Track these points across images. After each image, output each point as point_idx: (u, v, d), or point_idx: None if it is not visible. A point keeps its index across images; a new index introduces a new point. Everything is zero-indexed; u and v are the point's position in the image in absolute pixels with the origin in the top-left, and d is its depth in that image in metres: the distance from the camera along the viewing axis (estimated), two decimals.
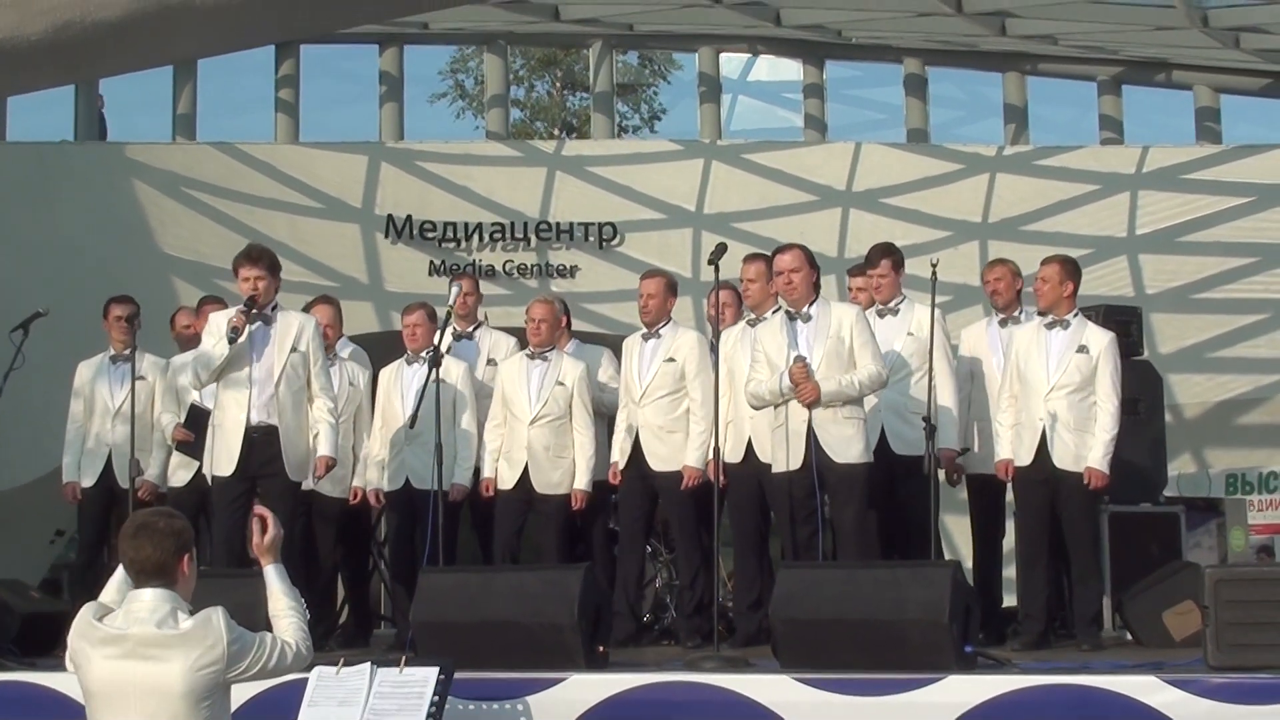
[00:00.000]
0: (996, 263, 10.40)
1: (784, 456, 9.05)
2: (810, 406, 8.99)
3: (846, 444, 9.11)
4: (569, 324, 10.98)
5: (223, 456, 9.46)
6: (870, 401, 9.47)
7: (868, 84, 21.79)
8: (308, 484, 9.83)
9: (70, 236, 16.82)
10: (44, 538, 17.26)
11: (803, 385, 8.96)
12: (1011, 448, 9.33)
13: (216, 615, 5.38)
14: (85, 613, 5.49)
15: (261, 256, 9.67)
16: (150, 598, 5.38)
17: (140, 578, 5.41)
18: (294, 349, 9.56)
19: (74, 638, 5.45)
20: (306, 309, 10.40)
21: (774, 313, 9.52)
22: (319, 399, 9.66)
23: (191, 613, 5.42)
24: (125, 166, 17.47)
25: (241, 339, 9.35)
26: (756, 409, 9.26)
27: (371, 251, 17.57)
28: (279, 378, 9.51)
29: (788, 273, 9.26)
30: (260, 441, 9.44)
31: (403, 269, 17.49)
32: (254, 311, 9.43)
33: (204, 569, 8.34)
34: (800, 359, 9.01)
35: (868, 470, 9.18)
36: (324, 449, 9.66)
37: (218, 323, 9.57)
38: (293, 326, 9.64)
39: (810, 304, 9.29)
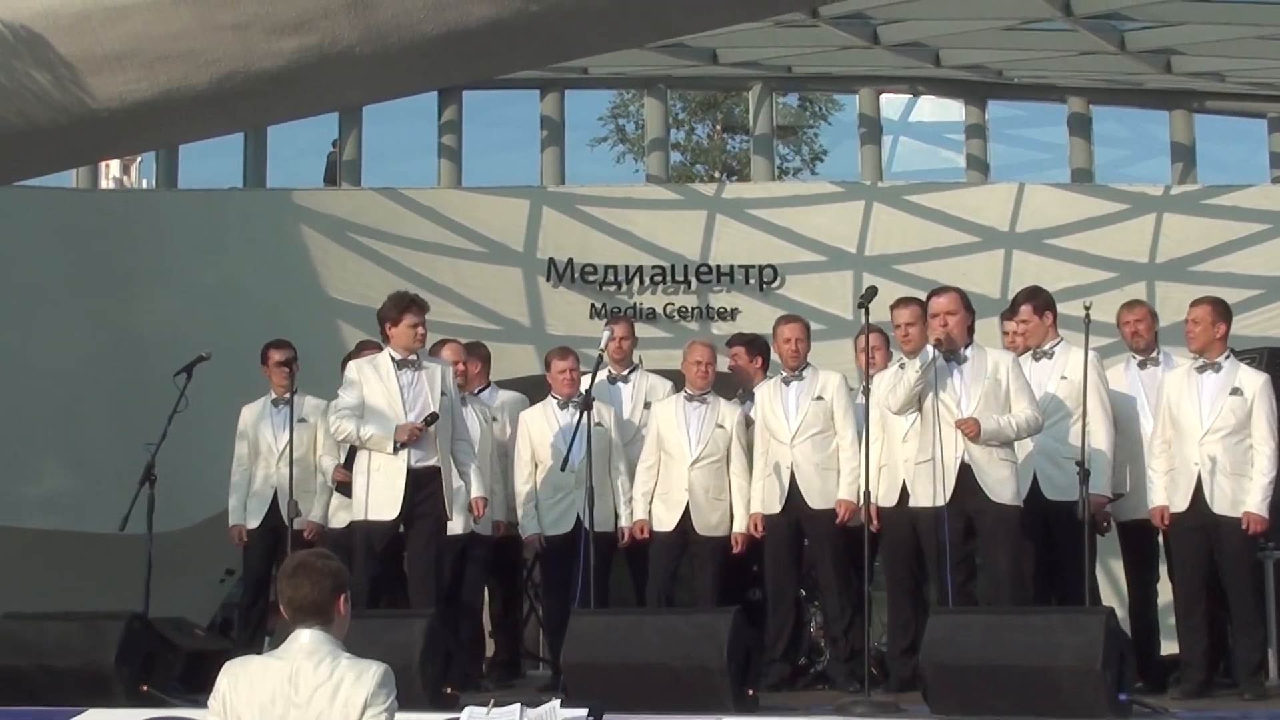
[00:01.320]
0: (1134, 304, 10.25)
1: (930, 491, 9.00)
2: (971, 439, 8.94)
3: (1002, 485, 9.05)
4: (765, 365, 10.96)
5: (385, 500, 9.56)
6: (1025, 447, 9.39)
7: (1031, 123, 21.61)
8: (456, 528, 9.94)
9: (238, 281, 17.13)
10: (214, 577, 17.52)
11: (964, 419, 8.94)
12: (1166, 494, 9.18)
13: (376, 668, 5.33)
14: (244, 657, 5.54)
15: (425, 305, 9.83)
16: (308, 639, 5.38)
17: (297, 617, 5.43)
18: (443, 393, 9.70)
19: (228, 678, 5.49)
20: (434, 351, 10.51)
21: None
22: (460, 440, 9.80)
23: (349, 653, 5.42)
24: (292, 212, 17.77)
25: (402, 449, 9.52)
26: (899, 410, 9.20)
27: (533, 295, 17.70)
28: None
29: (943, 315, 9.21)
30: (421, 483, 9.56)
31: (564, 312, 17.60)
32: (430, 427, 9.59)
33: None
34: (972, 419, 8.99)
35: (1020, 514, 9.09)
36: (477, 490, 9.79)
37: (363, 372, 9.70)
38: (436, 371, 9.78)
39: (965, 346, 9.25)
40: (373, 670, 5.32)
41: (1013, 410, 9.09)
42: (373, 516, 9.57)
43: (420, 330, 9.71)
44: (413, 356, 9.73)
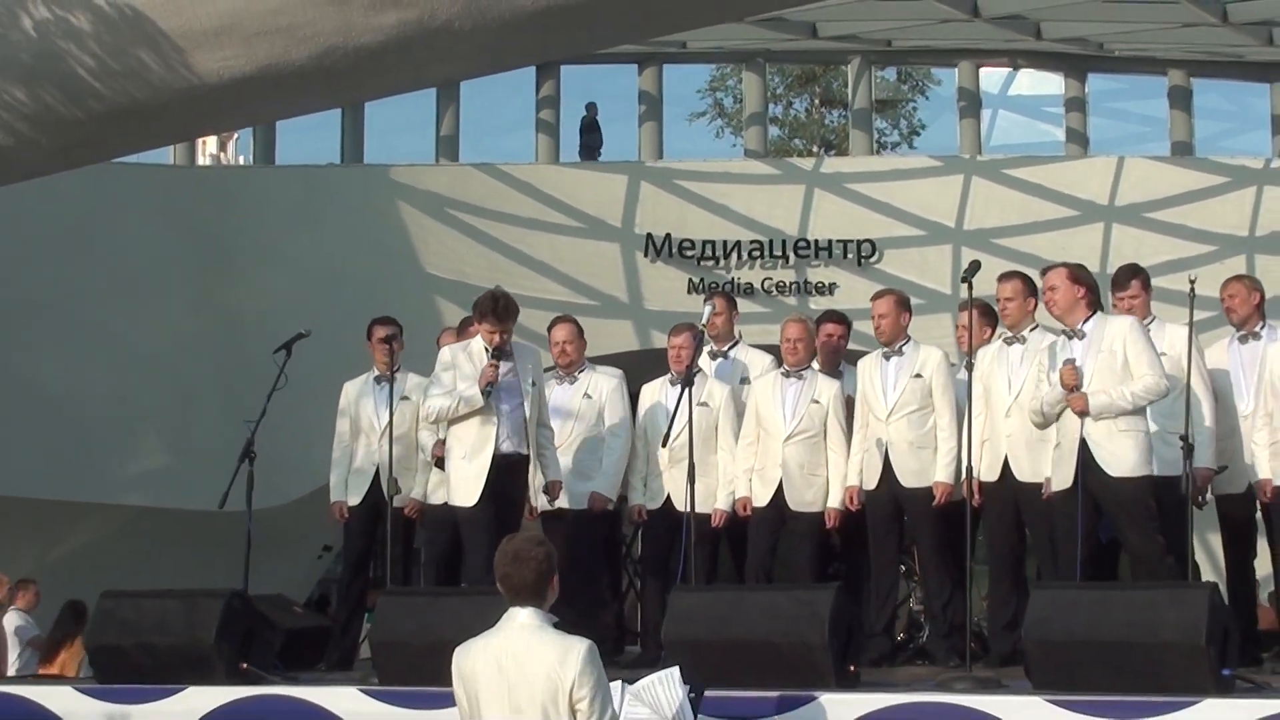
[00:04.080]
0: (1231, 279, 10.08)
1: (1053, 474, 8.91)
2: (1080, 415, 8.83)
3: (1119, 460, 8.82)
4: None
5: (470, 486, 9.66)
6: None
7: (1131, 96, 21.46)
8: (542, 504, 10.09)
9: (336, 257, 17.25)
10: (312, 553, 17.71)
11: (1073, 394, 8.81)
12: (1271, 467, 9.07)
13: (581, 645, 5.96)
14: (468, 642, 6.13)
15: (511, 315, 9.83)
16: (524, 617, 6.06)
17: (514, 597, 6.10)
18: (533, 383, 9.83)
19: (459, 662, 6.09)
20: (551, 328, 10.68)
21: (1031, 330, 9.45)
22: (544, 427, 9.97)
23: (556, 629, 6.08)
24: (390, 188, 17.87)
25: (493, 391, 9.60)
26: (1040, 426, 9.10)
27: (631, 270, 17.74)
28: (526, 408, 9.77)
29: (1048, 290, 9.10)
30: (509, 469, 9.66)
31: (662, 287, 17.62)
32: (500, 362, 9.65)
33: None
34: (1070, 361, 8.84)
35: (1148, 484, 8.87)
36: (554, 474, 9.95)
37: (457, 358, 9.76)
38: (528, 366, 9.89)
39: (1085, 321, 9.06)
40: (577, 649, 5.95)
41: (1134, 377, 8.87)
42: (457, 501, 9.73)
43: (496, 338, 9.72)
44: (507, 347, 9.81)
